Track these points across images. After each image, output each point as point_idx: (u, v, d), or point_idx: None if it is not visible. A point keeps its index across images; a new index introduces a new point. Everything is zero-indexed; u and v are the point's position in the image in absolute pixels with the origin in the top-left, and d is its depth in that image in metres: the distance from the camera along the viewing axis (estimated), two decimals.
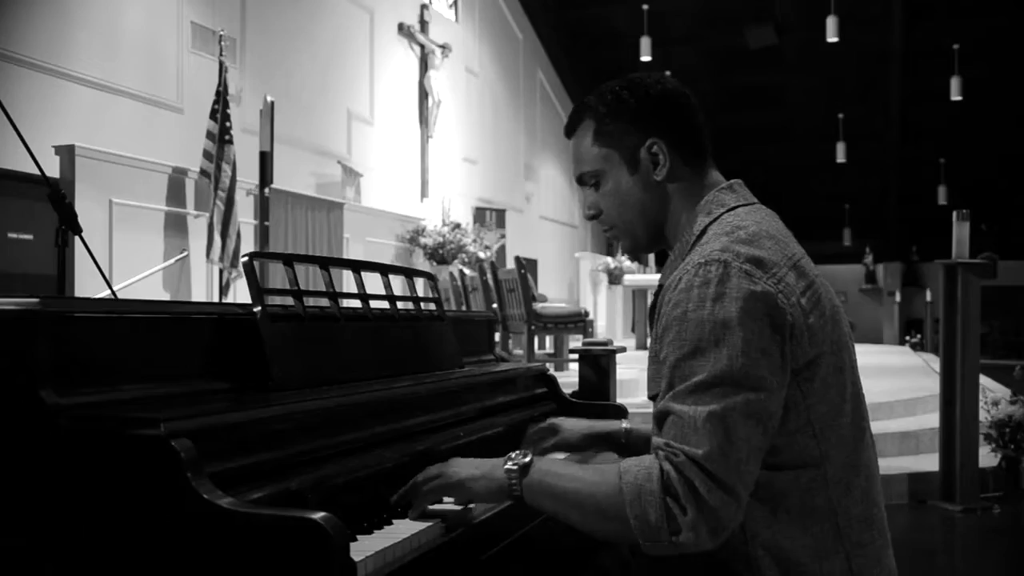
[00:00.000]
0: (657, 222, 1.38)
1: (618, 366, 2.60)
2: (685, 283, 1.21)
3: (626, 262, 11.61)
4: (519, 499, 1.27)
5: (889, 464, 4.87)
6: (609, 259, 11.80)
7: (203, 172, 6.12)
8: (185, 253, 6.10)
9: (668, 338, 1.21)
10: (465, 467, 1.32)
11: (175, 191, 6.11)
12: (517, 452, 1.29)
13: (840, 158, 15.99)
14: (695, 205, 1.35)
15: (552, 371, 2.44)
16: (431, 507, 1.35)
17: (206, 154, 6.13)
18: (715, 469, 1.12)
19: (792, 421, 1.21)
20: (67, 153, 5.30)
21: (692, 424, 1.14)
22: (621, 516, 1.15)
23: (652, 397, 1.32)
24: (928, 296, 15.98)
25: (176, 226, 6.10)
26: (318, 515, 0.99)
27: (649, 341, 1.44)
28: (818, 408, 1.23)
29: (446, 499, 1.37)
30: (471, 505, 1.38)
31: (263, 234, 6.23)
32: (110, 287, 2.57)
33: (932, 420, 5.29)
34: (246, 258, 1.60)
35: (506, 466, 1.27)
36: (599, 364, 2.46)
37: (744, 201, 1.34)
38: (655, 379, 1.30)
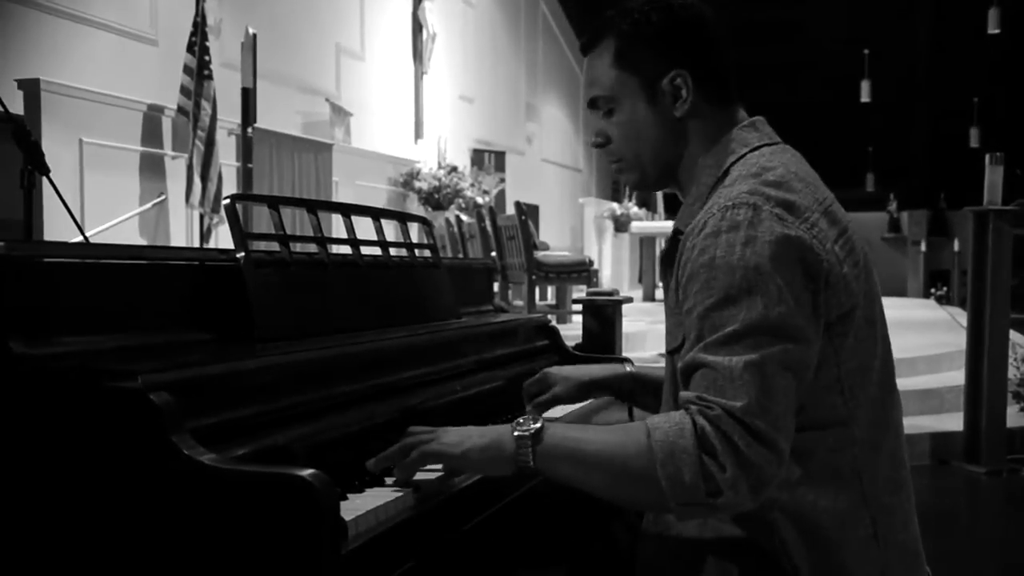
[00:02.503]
0: (670, 160, 1.36)
1: (624, 318, 2.60)
2: (711, 227, 1.19)
3: (633, 208, 11.57)
4: (529, 469, 1.23)
5: (911, 423, 4.90)
6: (615, 205, 11.76)
7: (180, 110, 6.05)
8: (163, 197, 6.06)
9: (694, 287, 1.19)
10: (467, 437, 1.26)
11: (151, 130, 6.06)
12: (524, 418, 1.25)
13: (864, 97, 15.83)
14: (715, 144, 1.32)
15: (554, 323, 2.44)
16: (417, 478, 1.31)
17: (183, 90, 6.05)
18: (755, 422, 1.10)
19: (822, 377, 1.20)
20: (31, 88, 5.23)
21: (728, 375, 1.12)
22: (651, 477, 1.12)
23: (671, 351, 1.31)
24: (956, 246, 15.94)
25: (152, 168, 6.06)
26: (306, 472, 0.99)
27: (662, 291, 1.43)
28: (849, 364, 1.22)
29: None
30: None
31: (246, 177, 6.19)
32: (82, 232, 2.55)
33: (957, 377, 5.31)
34: (228, 201, 1.58)
35: (515, 433, 1.22)
36: (604, 315, 2.46)
37: (768, 140, 1.32)
38: (674, 332, 1.29)
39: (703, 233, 1.20)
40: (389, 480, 1.29)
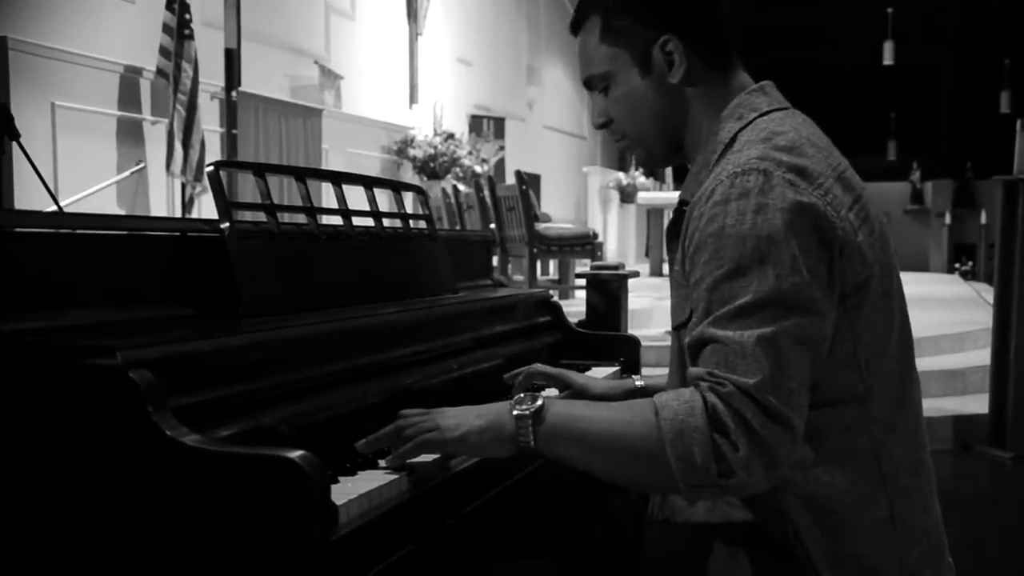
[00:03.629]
0: (675, 131, 1.36)
1: (630, 293, 2.60)
2: (720, 195, 1.19)
3: (640, 178, 11.54)
4: (529, 450, 1.23)
5: (932, 405, 4.91)
6: (621, 174, 11.72)
7: (160, 72, 6.02)
8: (142, 165, 6.04)
9: (702, 257, 1.19)
10: (464, 419, 1.27)
11: (128, 93, 6.03)
12: (523, 395, 1.25)
13: (887, 60, 15.73)
14: (720, 110, 1.32)
15: (556, 298, 2.44)
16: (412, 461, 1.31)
17: (163, 51, 6.01)
18: (768, 400, 1.11)
19: (837, 352, 1.20)
20: None
21: (739, 350, 1.13)
22: (659, 458, 1.13)
23: (677, 327, 1.31)
24: (983, 218, 15.91)
25: (130, 134, 6.04)
26: (295, 453, 1.00)
27: (668, 265, 1.43)
28: (866, 337, 1.22)
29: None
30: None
31: (230, 143, 6.17)
32: (55, 201, 2.55)
33: (982, 357, 5.32)
34: (211, 168, 1.58)
35: (515, 412, 1.23)
36: (609, 290, 2.47)
37: (778, 105, 1.32)
38: (681, 306, 1.29)
39: (711, 201, 1.20)
40: (382, 462, 1.30)
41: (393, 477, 1.22)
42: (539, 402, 1.24)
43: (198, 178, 5.95)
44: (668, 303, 1.38)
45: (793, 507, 1.21)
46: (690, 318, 1.22)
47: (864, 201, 1.24)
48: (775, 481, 1.14)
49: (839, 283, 1.19)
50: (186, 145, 5.93)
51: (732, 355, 1.13)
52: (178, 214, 6.13)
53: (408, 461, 1.27)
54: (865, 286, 1.21)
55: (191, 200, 6.08)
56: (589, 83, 1.40)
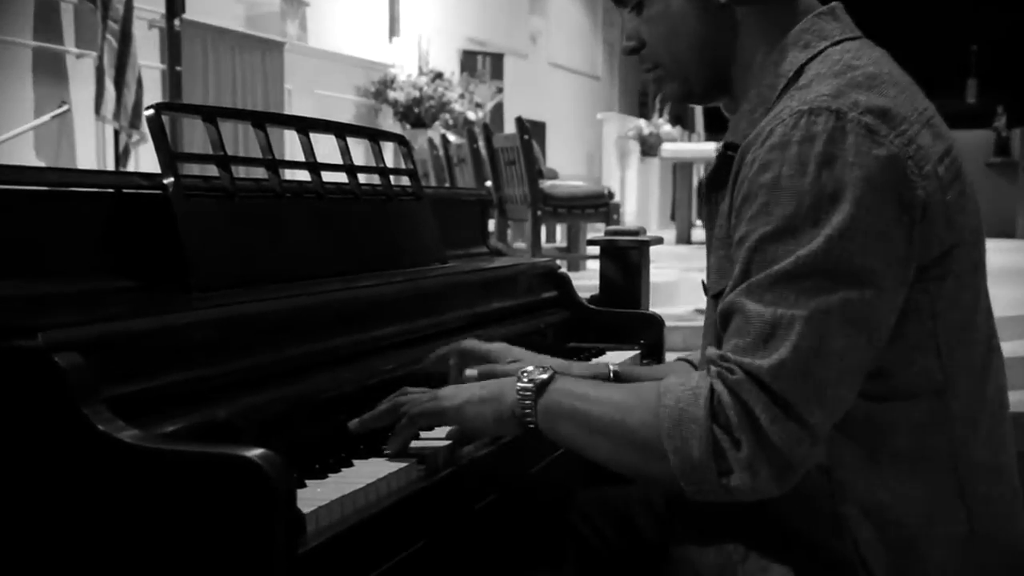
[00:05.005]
0: (720, 61, 1.35)
1: (652, 264, 2.59)
2: (779, 137, 1.17)
3: (665, 126, 11.50)
4: (533, 429, 1.28)
5: (1016, 399, 4.89)
6: (642, 122, 11.69)
7: None
8: (65, 107, 6.01)
9: (749, 211, 1.18)
10: (464, 390, 1.35)
11: (46, 20, 5.98)
12: (532, 367, 1.30)
13: None
14: (780, 37, 1.30)
15: (564, 269, 2.44)
16: (414, 443, 1.36)
17: None
18: (784, 390, 1.11)
19: (912, 333, 1.19)
20: None
21: (762, 328, 1.13)
22: (658, 451, 1.15)
23: (716, 296, 1.31)
24: None
25: (50, 69, 6.00)
26: (254, 452, 1.00)
27: (705, 225, 1.42)
28: (948, 317, 1.21)
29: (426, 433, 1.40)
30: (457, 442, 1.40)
31: (174, 83, 6.16)
32: None
33: None
34: (151, 111, 1.57)
35: (519, 384, 1.28)
36: (627, 260, 2.46)
37: (851, 33, 1.30)
38: (723, 268, 1.29)
39: (767, 143, 1.18)
40: (358, 461, 1.31)
41: (369, 483, 1.23)
42: (546, 375, 1.28)
43: (135, 124, 5.93)
44: (697, 275, 1.39)
45: (854, 519, 1.21)
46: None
47: (955, 154, 1.23)
48: (787, 486, 1.14)
49: (919, 253, 1.18)
50: (119, 84, 5.89)
51: (752, 333, 1.14)
52: (111, 167, 6.11)
53: (391, 469, 1.29)
54: (949, 255, 1.20)
55: (126, 150, 6.07)
56: None
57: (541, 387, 1.28)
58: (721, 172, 1.32)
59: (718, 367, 1.15)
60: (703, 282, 1.39)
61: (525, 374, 1.29)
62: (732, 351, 1.15)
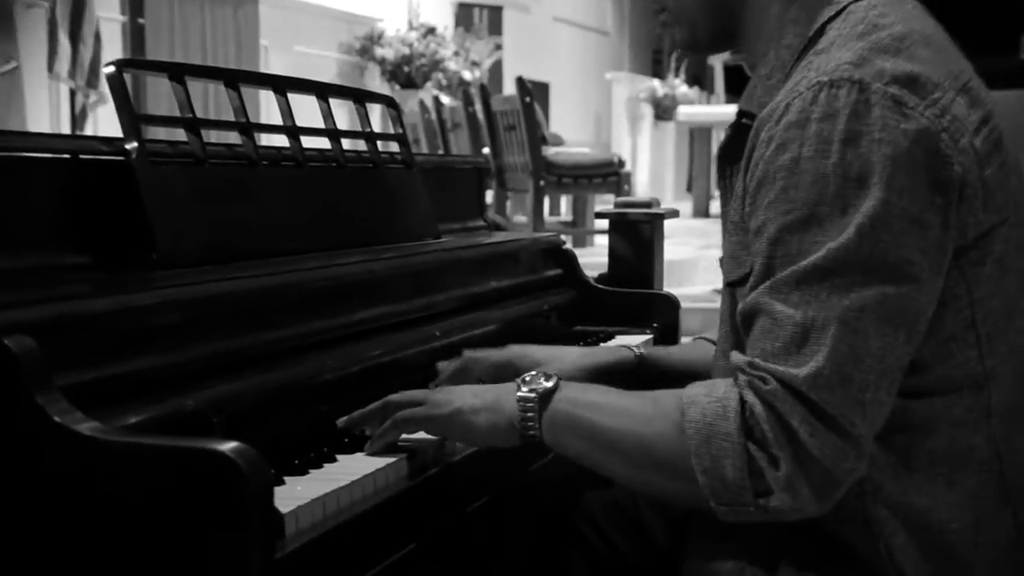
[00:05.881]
0: (727, 11, 1.35)
1: (667, 239, 2.59)
2: (796, 113, 1.17)
3: (681, 87, 11.51)
4: (537, 442, 1.27)
5: None
6: (656, 83, 11.70)
7: None
8: (13, 64, 5.97)
9: (767, 196, 1.18)
10: (459, 396, 1.34)
11: None
12: (535, 372, 1.29)
13: None
14: None
15: (570, 245, 2.44)
16: (403, 439, 1.36)
17: None
18: (823, 400, 1.10)
19: (949, 323, 1.19)
20: None
21: (792, 332, 1.12)
22: (683, 469, 1.15)
23: (732, 283, 1.31)
24: None
25: None
26: (226, 446, 0.99)
27: (720, 200, 1.42)
28: (988, 303, 1.20)
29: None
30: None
31: (136, 37, 6.14)
32: None
33: None
34: (111, 69, 1.56)
35: (519, 392, 1.27)
36: (639, 236, 2.46)
37: None
38: (738, 255, 1.28)
39: (784, 121, 1.18)
40: (342, 456, 1.32)
41: (353, 480, 1.23)
42: (551, 382, 1.27)
43: (92, 83, 5.90)
44: (716, 252, 1.38)
45: (887, 524, 1.21)
46: (751, 273, 1.21)
47: (995, 122, 1.22)
48: (831, 504, 1.14)
49: (956, 236, 1.17)
50: (74, 38, 5.86)
51: (784, 338, 1.13)
52: (67, 130, 6.09)
53: (377, 465, 1.29)
54: (990, 236, 1.19)
55: (83, 112, 6.04)
56: None
57: (545, 397, 1.26)
58: (736, 142, 1.31)
59: (748, 375, 1.14)
60: (720, 260, 1.38)
61: (525, 381, 1.28)
62: (761, 357, 1.14)
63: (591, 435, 1.24)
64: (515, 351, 1.66)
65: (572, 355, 1.69)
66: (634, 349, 1.71)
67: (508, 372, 1.57)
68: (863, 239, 1.12)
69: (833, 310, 1.12)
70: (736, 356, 1.18)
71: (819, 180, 1.14)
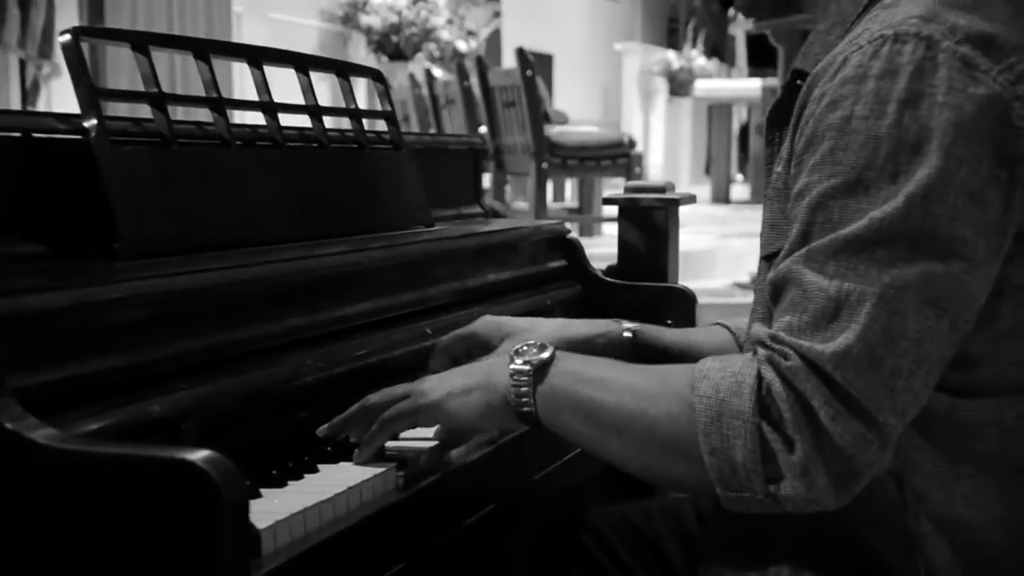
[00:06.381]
0: None
1: (683, 228, 2.59)
2: (855, 68, 1.16)
3: (699, 59, 11.50)
4: (533, 420, 1.28)
5: None
6: (671, 54, 11.69)
7: None
8: None
9: (812, 158, 1.18)
10: (446, 379, 1.35)
11: None
12: (528, 344, 1.30)
13: None
14: None
15: (575, 234, 2.44)
16: (391, 444, 1.37)
17: None
18: (849, 381, 1.10)
19: (1006, 315, 1.19)
20: None
21: (824, 305, 1.12)
22: (688, 448, 1.15)
23: (768, 258, 1.31)
24: None
25: None
26: (197, 455, 0.99)
27: (764, 167, 1.41)
28: None
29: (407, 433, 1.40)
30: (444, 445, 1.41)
31: (94, 3, 6.12)
32: None
33: None
34: (67, 37, 1.56)
35: (512, 365, 1.28)
36: (651, 223, 2.45)
37: None
38: (776, 226, 1.29)
39: (840, 76, 1.18)
40: (325, 466, 1.32)
41: (337, 492, 1.23)
42: (547, 353, 1.28)
43: (45, 53, 5.90)
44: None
45: (930, 540, 1.21)
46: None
47: None
48: (848, 498, 1.14)
49: (1018, 218, 1.16)
50: (24, 3, 5.85)
51: (813, 310, 1.13)
52: (16, 105, 6.08)
53: (364, 476, 1.29)
54: None
55: (36, 85, 6.04)
56: None
57: (540, 368, 1.27)
58: (786, 106, 1.31)
59: (768, 350, 1.15)
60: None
61: (519, 352, 1.29)
62: (786, 331, 1.14)
63: (590, 412, 1.24)
64: (483, 321, 1.65)
65: (550, 326, 1.68)
66: (624, 325, 1.70)
67: (474, 343, 1.61)
68: (912, 210, 1.12)
69: (871, 285, 1.12)
70: (757, 328, 1.19)
71: (870, 142, 1.14)
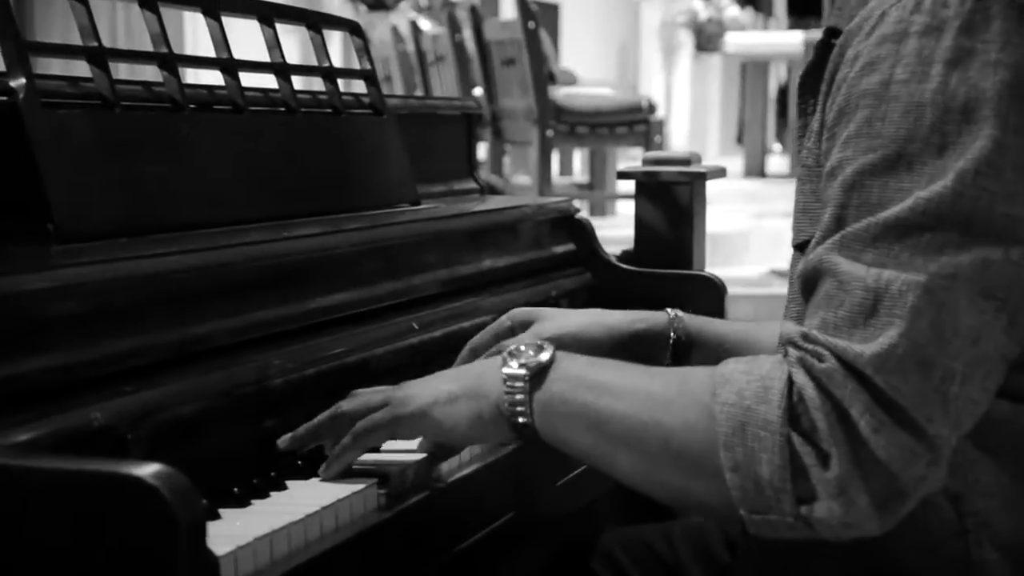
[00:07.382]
0: None
1: (710, 206, 2.59)
2: (893, 24, 1.17)
3: (730, 8, 11.47)
4: (530, 432, 1.27)
5: None
6: (697, 3, 11.66)
7: None
8: None
9: (846, 129, 1.18)
10: (430, 385, 1.35)
11: None
12: (524, 345, 1.29)
13: None
14: None
15: (585, 213, 2.44)
16: (370, 457, 1.37)
17: None
18: (893, 386, 1.10)
19: None
20: None
21: (862, 299, 1.13)
22: (707, 464, 1.15)
23: (800, 247, 1.31)
24: None
25: None
26: (146, 469, 0.99)
27: (798, 143, 1.42)
28: None
29: (388, 445, 1.41)
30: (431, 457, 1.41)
31: None
32: None
33: None
34: None
35: (505, 369, 1.27)
36: (674, 200, 2.46)
37: None
38: (809, 211, 1.29)
39: (877, 33, 1.18)
40: (294, 483, 1.32)
41: (308, 514, 1.23)
42: (546, 355, 1.27)
43: None
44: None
45: (994, 568, 1.22)
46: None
47: None
48: (893, 522, 1.14)
49: None
50: None
51: (851, 305, 1.13)
52: None
53: (340, 495, 1.29)
54: None
55: None
56: None
57: (538, 373, 1.27)
58: (819, 69, 1.31)
59: (800, 351, 1.15)
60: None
61: (513, 354, 1.28)
62: (820, 329, 1.15)
63: (597, 422, 1.24)
64: (515, 313, 1.67)
65: (583, 317, 1.70)
66: (669, 313, 1.70)
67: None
68: (964, 188, 1.12)
69: (916, 274, 1.12)
70: (787, 326, 1.19)
71: (913, 110, 1.15)
